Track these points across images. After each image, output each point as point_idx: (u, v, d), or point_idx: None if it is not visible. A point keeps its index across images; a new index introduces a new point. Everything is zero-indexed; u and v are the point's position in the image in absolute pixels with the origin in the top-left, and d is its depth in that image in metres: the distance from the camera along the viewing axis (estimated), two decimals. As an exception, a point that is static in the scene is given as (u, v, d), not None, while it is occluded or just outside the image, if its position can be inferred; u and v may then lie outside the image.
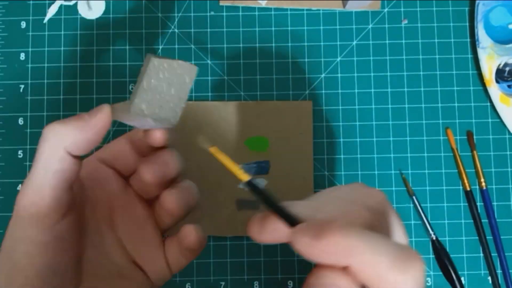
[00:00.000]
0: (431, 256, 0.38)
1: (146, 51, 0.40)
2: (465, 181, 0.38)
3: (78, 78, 0.40)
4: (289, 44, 0.40)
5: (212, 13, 0.40)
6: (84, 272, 0.26)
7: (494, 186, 0.39)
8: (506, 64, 0.39)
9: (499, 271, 0.38)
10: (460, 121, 0.39)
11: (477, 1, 0.39)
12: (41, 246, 0.23)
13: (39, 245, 0.23)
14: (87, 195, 0.27)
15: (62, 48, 0.40)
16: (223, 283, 0.38)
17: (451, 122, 0.39)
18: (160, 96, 0.24)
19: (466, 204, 0.39)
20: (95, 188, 0.27)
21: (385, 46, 0.40)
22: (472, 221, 0.38)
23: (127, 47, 0.40)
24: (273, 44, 0.40)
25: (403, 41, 0.40)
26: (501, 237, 0.38)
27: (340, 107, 0.39)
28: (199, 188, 0.29)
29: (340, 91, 0.39)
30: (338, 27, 0.40)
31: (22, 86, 0.39)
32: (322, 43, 0.40)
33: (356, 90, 0.39)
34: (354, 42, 0.40)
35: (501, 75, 0.39)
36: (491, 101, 0.39)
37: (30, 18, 0.40)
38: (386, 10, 0.40)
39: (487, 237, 0.38)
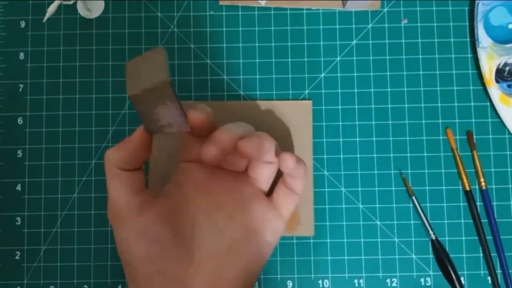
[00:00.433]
0: (431, 256, 0.38)
1: (146, 50, 0.40)
2: (465, 181, 0.38)
3: (77, 78, 0.40)
4: (289, 44, 0.40)
5: (212, 12, 0.40)
6: (197, 251, 0.29)
7: (494, 186, 0.39)
8: (506, 64, 0.39)
9: (498, 271, 0.38)
10: (460, 121, 0.39)
11: (477, 1, 0.39)
12: (134, 241, 0.29)
13: (133, 243, 0.29)
14: (185, 192, 0.31)
15: (61, 48, 0.40)
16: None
17: (451, 122, 0.39)
18: (143, 78, 0.27)
19: (466, 204, 0.38)
20: (188, 182, 0.31)
21: (384, 46, 0.40)
22: (471, 221, 0.38)
23: (127, 46, 0.40)
24: (273, 44, 0.40)
25: (403, 41, 0.40)
26: (501, 237, 0.38)
27: (340, 107, 0.39)
28: None
29: (339, 90, 0.39)
30: (337, 26, 0.40)
31: (21, 85, 0.39)
32: (321, 43, 0.40)
33: (355, 90, 0.39)
34: (354, 42, 0.40)
35: (501, 75, 0.39)
36: (491, 101, 0.39)
37: (30, 17, 0.40)
38: (385, 9, 0.40)
39: (487, 237, 0.38)
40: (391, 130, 0.39)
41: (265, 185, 0.32)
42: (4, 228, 0.38)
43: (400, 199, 0.39)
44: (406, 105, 0.39)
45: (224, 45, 0.40)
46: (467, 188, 0.38)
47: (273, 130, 0.38)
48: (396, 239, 0.38)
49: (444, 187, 0.39)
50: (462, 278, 0.38)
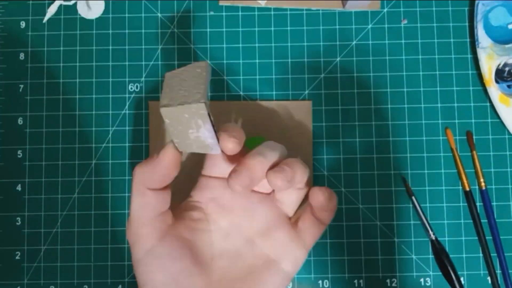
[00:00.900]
0: (431, 256, 0.38)
1: (146, 51, 0.40)
2: (465, 181, 0.38)
3: (77, 78, 0.40)
4: (289, 44, 0.40)
5: (212, 13, 0.40)
6: (214, 274, 0.29)
7: (493, 186, 0.39)
8: (505, 64, 0.39)
9: (498, 271, 0.38)
10: (460, 121, 0.39)
11: (476, 1, 0.39)
12: (150, 264, 0.28)
13: (149, 267, 0.28)
14: (206, 210, 0.30)
15: (61, 48, 0.40)
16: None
17: (451, 122, 0.39)
18: (179, 92, 0.26)
19: (466, 204, 0.39)
20: (211, 200, 0.31)
21: (384, 46, 0.40)
22: (471, 221, 0.38)
23: (127, 47, 0.40)
24: (273, 44, 0.40)
25: (403, 41, 0.40)
26: (501, 237, 0.38)
27: (340, 107, 0.39)
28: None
29: (339, 91, 0.39)
30: (337, 27, 0.40)
31: (22, 86, 0.39)
32: (321, 43, 0.40)
33: (355, 90, 0.39)
34: (354, 42, 0.40)
35: (500, 75, 0.39)
36: (490, 101, 0.39)
37: (30, 18, 0.40)
38: (385, 10, 0.40)
39: (487, 237, 0.38)
40: (391, 130, 0.39)
41: (291, 210, 0.31)
42: (4, 228, 0.38)
43: (400, 199, 0.39)
44: (406, 106, 0.39)
45: (224, 45, 0.40)
46: (467, 189, 0.38)
47: (273, 130, 0.38)
48: (396, 239, 0.38)
49: (444, 188, 0.39)
50: (462, 278, 0.38)
